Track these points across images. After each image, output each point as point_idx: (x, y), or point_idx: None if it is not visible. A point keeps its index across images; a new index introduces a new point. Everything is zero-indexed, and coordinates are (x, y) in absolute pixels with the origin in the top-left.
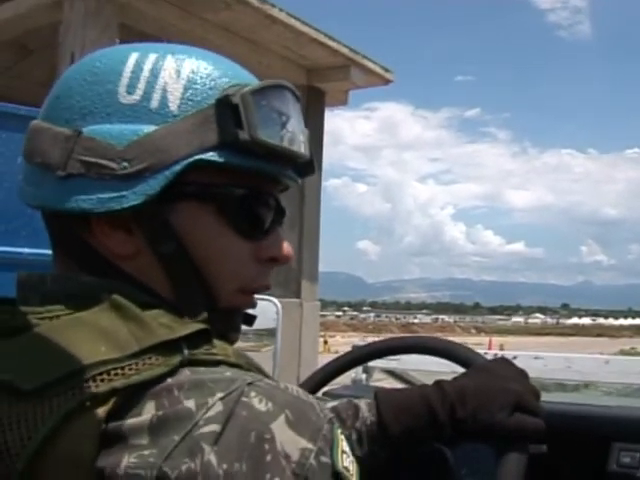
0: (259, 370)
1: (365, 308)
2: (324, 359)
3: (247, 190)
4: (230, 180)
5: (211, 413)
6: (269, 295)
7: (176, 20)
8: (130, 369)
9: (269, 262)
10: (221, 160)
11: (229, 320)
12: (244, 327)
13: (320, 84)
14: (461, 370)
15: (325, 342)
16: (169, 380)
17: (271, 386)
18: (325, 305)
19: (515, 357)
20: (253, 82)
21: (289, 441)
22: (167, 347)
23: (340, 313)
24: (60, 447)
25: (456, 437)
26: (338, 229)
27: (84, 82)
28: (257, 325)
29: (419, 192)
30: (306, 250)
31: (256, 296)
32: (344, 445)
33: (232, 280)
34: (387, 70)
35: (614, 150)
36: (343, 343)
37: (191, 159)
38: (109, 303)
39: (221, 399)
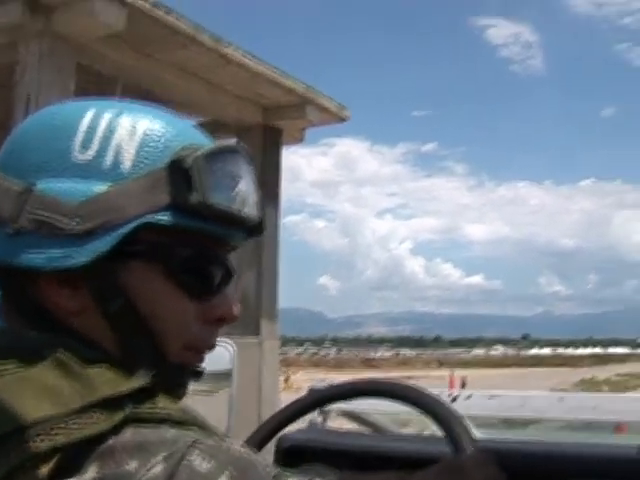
0: (204, 426)
1: (326, 344)
2: (286, 397)
3: (196, 250)
4: (179, 240)
5: (152, 473)
6: (228, 334)
7: (132, 60)
8: (72, 426)
9: (217, 322)
10: (171, 222)
11: (176, 376)
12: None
13: (276, 122)
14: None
15: (286, 379)
16: (112, 440)
17: (214, 445)
18: (286, 341)
19: (470, 396)
20: (207, 144)
21: None
22: (110, 403)
23: (301, 349)
24: None
25: None
26: (298, 265)
27: (39, 137)
28: (213, 368)
29: (377, 227)
30: (265, 289)
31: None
32: None
33: (179, 338)
34: (343, 107)
35: (569, 181)
36: (305, 380)
37: (141, 220)
38: (53, 359)
39: (163, 460)
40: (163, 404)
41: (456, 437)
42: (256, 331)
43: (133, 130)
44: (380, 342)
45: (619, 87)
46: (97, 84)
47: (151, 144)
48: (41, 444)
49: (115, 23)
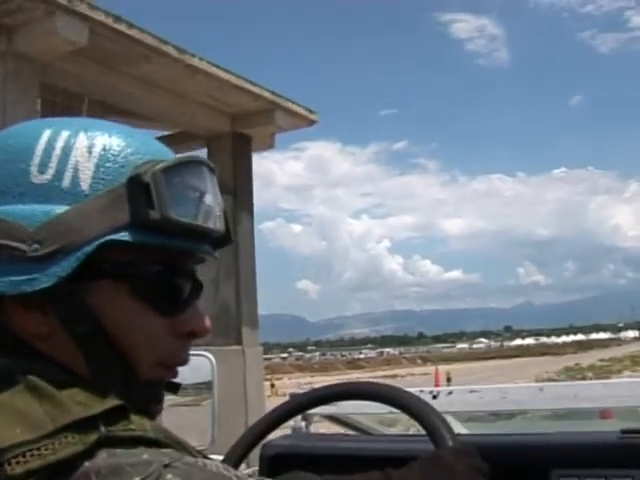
0: (179, 444)
1: (310, 347)
2: (272, 403)
3: (161, 266)
4: (144, 257)
5: None
6: (210, 344)
7: (97, 75)
8: (46, 449)
9: (188, 336)
10: (132, 239)
11: (149, 393)
12: (183, 382)
13: (245, 130)
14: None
15: (272, 385)
16: (87, 464)
17: (189, 465)
18: (270, 348)
19: (451, 392)
20: (167, 157)
21: None
22: (83, 425)
23: (285, 355)
24: None
25: None
26: (276, 271)
27: None
28: (195, 379)
29: (354, 228)
30: (244, 296)
31: (191, 351)
32: None
33: (150, 355)
34: (311, 111)
35: (542, 171)
36: (290, 384)
37: (102, 239)
38: (24, 384)
39: None
40: (137, 423)
41: (436, 432)
42: (238, 339)
43: (90, 148)
44: (363, 343)
45: (585, 75)
46: (63, 102)
47: (110, 161)
48: (16, 468)
49: (78, 39)
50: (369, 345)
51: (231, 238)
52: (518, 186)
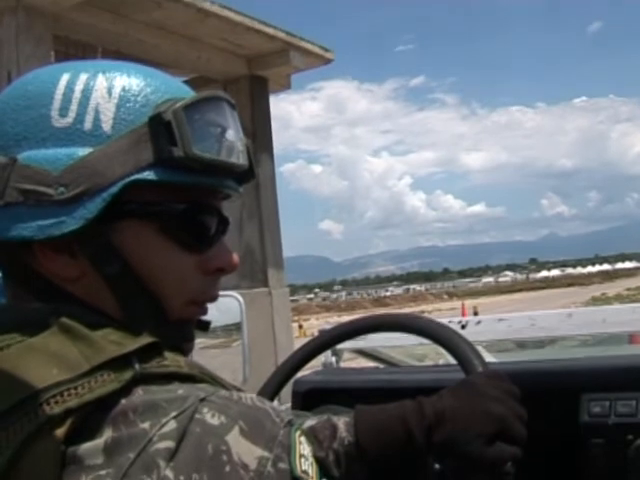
0: (213, 378)
1: (336, 287)
2: (301, 343)
3: (187, 204)
4: (169, 196)
5: (164, 430)
6: (237, 286)
7: (109, 25)
8: (83, 388)
9: (216, 273)
10: (157, 178)
11: (181, 332)
12: (213, 324)
13: (261, 71)
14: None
15: (300, 326)
16: (123, 402)
17: (224, 398)
18: (296, 289)
19: (479, 322)
20: (187, 95)
21: (245, 451)
22: (118, 363)
23: (312, 295)
24: (23, 472)
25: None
26: (299, 213)
27: (16, 107)
28: (224, 321)
29: (374, 166)
30: (268, 238)
31: (219, 292)
32: (302, 449)
33: (180, 294)
34: (326, 50)
35: (562, 101)
36: (318, 325)
37: (127, 180)
38: (58, 326)
39: (174, 417)
40: (171, 360)
41: (466, 359)
42: (264, 282)
43: (110, 90)
44: (389, 280)
45: (603, 0)
46: (77, 53)
47: (130, 101)
48: (55, 408)
49: None
50: (395, 282)
51: (254, 173)
52: (538, 117)
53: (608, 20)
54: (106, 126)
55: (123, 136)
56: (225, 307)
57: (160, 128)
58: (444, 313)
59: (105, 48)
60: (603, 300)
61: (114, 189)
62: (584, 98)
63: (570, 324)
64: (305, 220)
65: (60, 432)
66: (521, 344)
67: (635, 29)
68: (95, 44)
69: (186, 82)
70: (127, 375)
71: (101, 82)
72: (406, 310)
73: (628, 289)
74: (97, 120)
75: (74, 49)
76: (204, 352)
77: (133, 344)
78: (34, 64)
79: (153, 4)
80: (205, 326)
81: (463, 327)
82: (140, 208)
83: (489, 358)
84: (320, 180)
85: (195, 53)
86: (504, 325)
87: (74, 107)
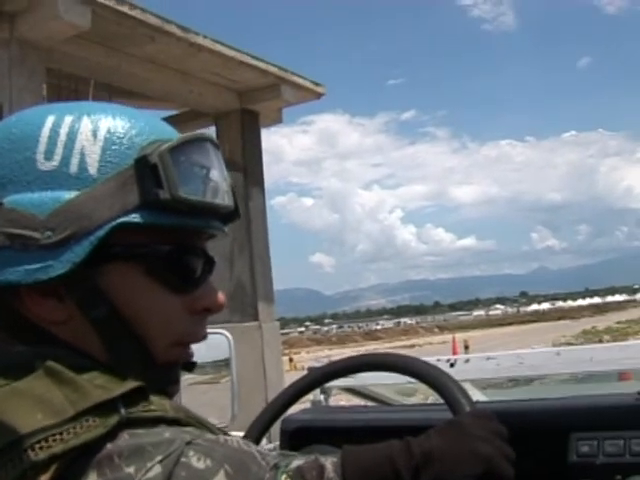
0: (199, 422)
1: (327, 321)
2: (291, 377)
3: (173, 246)
4: (155, 238)
5: (150, 475)
6: (227, 321)
7: (102, 58)
8: (68, 434)
9: (203, 312)
10: (144, 221)
11: (167, 374)
12: (201, 360)
13: (253, 105)
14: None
15: (290, 360)
16: (109, 446)
17: (210, 442)
18: (287, 323)
19: (468, 360)
20: (172, 136)
21: None
22: (104, 408)
23: (302, 329)
24: None
25: None
26: (290, 246)
27: (2, 150)
28: (213, 357)
29: (365, 199)
30: (259, 272)
31: (208, 330)
32: None
33: (166, 335)
34: (318, 84)
35: (551, 135)
36: (308, 358)
37: (114, 222)
38: (43, 370)
39: (160, 462)
40: (157, 404)
41: (454, 399)
42: (254, 315)
43: (95, 132)
44: (380, 314)
45: (593, 35)
46: (69, 85)
47: (115, 144)
48: (40, 454)
49: (81, 22)
50: (385, 316)
51: (239, 213)
52: (528, 151)
53: (597, 55)
54: (92, 169)
55: (109, 179)
56: (214, 343)
57: (146, 171)
58: (435, 347)
59: (97, 81)
60: (594, 333)
61: (101, 232)
62: (573, 132)
63: (558, 363)
64: (296, 253)
65: (44, 478)
66: (510, 379)
67: (623, 64)
68: (87, 77)
69: (177, 116)
70: (113, 420)
71: (86, 125)
72: (397, 344)
73: (618, 322)
74: (83, 163)
75: (67, 82)
76: (193, 388)
77: (119, 389)
78: (27, 97)
79: (146, 38)
80: (190, 367)
81: (452, 365)
82: (126, 250)
83: (477, 395)
84: (311, 213)
85: (187, 87)
86: (492, 364)
87: (59, 150)
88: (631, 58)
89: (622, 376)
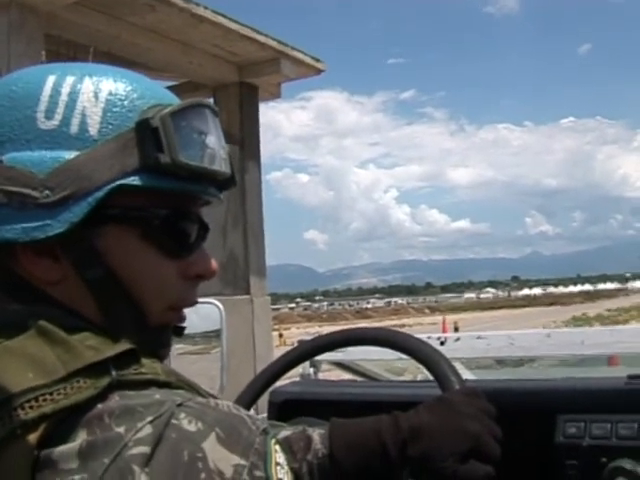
0: (190, 386)
1: (318, 298)
2: (280, 352)
3: (170, 210)
4: (153, 202)
5: (140, 435)
6: (219, 293)
7: (102, 26)
8: (59, 394)
9: (195, 279)
10: (143, 184)
11: (160, 337)
12: (192, 330)
13: (252, 79)
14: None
15: (280, 335)
16: (99, 406)
17: (201, 405)
18: (278, 298)
19: (458, 339)
20: (172, 101)
21: (221, 458)
22: (95, 369)
23: (293, 305)
24: None
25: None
26: (284, 221)
27: (1, 108)
28: (204, 327)
29: (361, 178)
30: (252, 246)
31: (199, 300)
32: (278, 457)
33: (160, 299)
34: (318, 60)
35: (550, 121)
36: (298, 334)
37: (113, 184)
38: (36, 329)
39: (150, 422)
40: (148, 367)
41: (444, 376)
42: (246, 289)
43: (97, 93)
44: (371, 292)
45: (595, 23)
46: (68, 53)
47: (117, 105)
48: (29, 413)
49: None
50: (377, 295)
51: (235, 180)
52: (526, 136)
53: (599, 42)
54: (92, 130)
55: (109, 140)
56: (205, 314)
57: (147, 134)
58: (425, 327)
59: (97, 49)
60: (584, 320)
61: (100, 194)
62: (572, 119)
63: (549, 344)
64: (290, 229)
65: (34, 437)
66: (500, 361)
67: (624, 52)
68: (87, 45)
69: (176, 86)
70: (104, 382)
71: (88, 85)
72: (387, 323)
73: (609, 310)
74: (83, 123)
75: (65, 49)
76: (182, 358)
77: (110, 350)
78: (25, 63)
79: (147, 7)
80: (180, 331)
81: (442, 343)
82: (124, 213)
83: (467, 375)
84: (307, 190)
85: (187, 58)
86: (483, 343)
87: (60, 110)
88: (632, 47)
89: (611, 361)
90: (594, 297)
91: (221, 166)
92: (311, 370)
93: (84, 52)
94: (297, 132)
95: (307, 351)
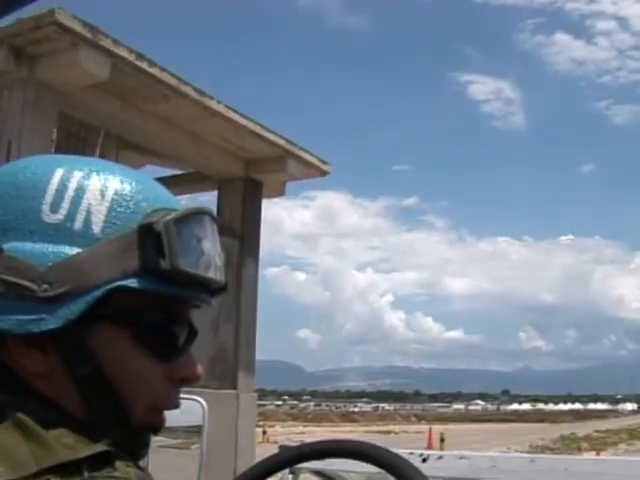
0: None
1: (305, 397)
2: (263, 450)
3: (163, 314)
4: (147, 304)
5: None
6: (205, 386)
7: (115, 110)
8: None
9: (180, 382)
10: (141, 287)
11: (140, 437)
12: (173, 424)
13: (257, 175)
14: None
15: (264, 432)
16: None
17: None
18: (265, 394)
19: (441, 457)
20: (174, 205)
21: None
22: (67, 468)
23: (280, 402)
24: None
25: None
26: (278, 318)
27: (7, 196)
28: (185, 423)
29: (358, 280)
30: (243, 341)
31: (183, 395)
32: None
33: (144, 399)
34: (324, 162)
35: (549, 237)
36: (282, 433)
37: (112, 285)
38: (13, 421)
39: None
40: (121, 471)
41: None
42: (233, 384)
43: (103, 192)
44: (359, 396)
45: (598, 144)
46: (79, 132)
47: (122, 206)
48: None
49: (99, 73)
50: (365, 399)
51: (227, 287)
52: (524, 250)
53: (601, 164)
54: (96, 228)
55: (112, 240)
56: (188, 409)
57: (150, 238)
58: (411, 435)
59: (108, 131)
60: (572, 439)
61: (98, 293)
62: (571, 236)
63: (532, 470)
64: (283, 326)
65: None
66: None
67: (626, 175)
68: (99, 126)
69: (181, 176)
70: None
71: (95, 183)
72: (373, 428)
73: (597, 431)
74: (88, 221)
75: (77, 128)
76: (162, 451)
77: (85, 450)
78: (36, 138)
79: (162, 96)
80: (157, 429)
81: (424, 460)
82: (118, 313)
83: None
84: (303, 288)
85: (195, 149)
86: (465, 463)
87: (66, 205)
88: (634, 170)
89: None
90: (584, 417)
91: (216, 274)
92: (290, 477)
93: (94, 133)
94: (298, 230)
95: (288, 458)
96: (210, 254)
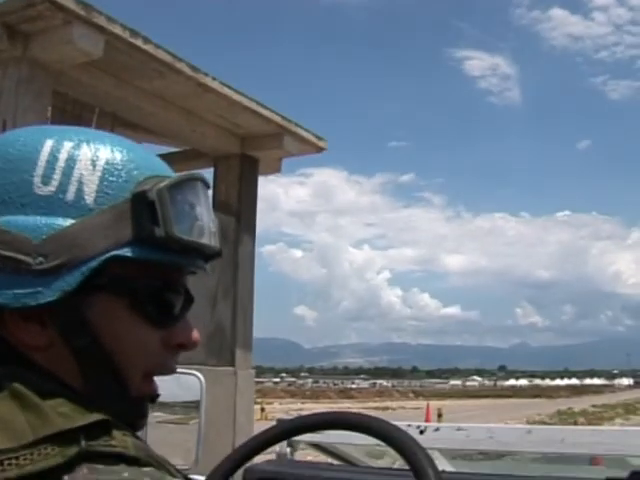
0: (159, 463)
1: (303, 374)
2: (261, 426)
3: (159, 282)
4: (143, 273)
5: None
6: (203, 363)
7: (110, 88)
8: (24, 459)
9: (177, 348)
10: (136, 256)
11: (138, 407)
12: (172, 399)
13: (253, 152)
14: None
15: (262, 409)
16: (66, 478)
17: None
18: (262, 371)
19: (438, 429)
20: (167, 172)
21: None
22: (64, 437)
23: (278, 379)
24: None
25: None
26: (274, 295)
27: None
28: (184, 397)
29: (355, 257)
30: (240, 318)
31: (181, 370)
32: None
33: (141, 367)
34: (320, 138)
35: (545, 213)
36: (281, 409)
37: (107, 255)
38: (9, 392)
39: None
40: (118, 439)
41: (420, 470)
42: (231, 361)
43: (94, 161)
44: (357, 373)
45: (595, 120)
46: (74, 110)
47: (113, 175)
48: None
49: (93, 50)
50: (362, 375)
51: (221, 253)
52: (521, 226)
53: (598, 139)
54: (89, 198)
55: (105, 210)
56: (186, 384)
57: (143, 206)
58: (408, 411)
59: (102, 109)
60: (569, 414)
61: (94, 263)
62: (567, 212)
63: (528, 441)
64: (280, 303)
65: None
66: (481, 452)
67: (623, 151)
68: (93, 104)
69: (176, 154)
70: (72, 451)
71: (85, 153)
72: (370, 405)
73: (594, 406)
74: (80, 191)
75: (71, 107)
76: (160, 427)
77: (82, 419)
78: (31, 116)
79: (155, 73)
80: (154, 399)
81: (422, 432)
82: (114, 283)
83: (445, 465)
84: (299, 265)
85: (190, 126)
86: (462, 435)
87: (57, 176)
88: (631, 146)
89: (594, 461)
90: (580, 392)
91: (210, 240)
92: (288, 450)
93: (89, 111)
94: (294, 207)
95: (285, 431)
96: (204, 220)
